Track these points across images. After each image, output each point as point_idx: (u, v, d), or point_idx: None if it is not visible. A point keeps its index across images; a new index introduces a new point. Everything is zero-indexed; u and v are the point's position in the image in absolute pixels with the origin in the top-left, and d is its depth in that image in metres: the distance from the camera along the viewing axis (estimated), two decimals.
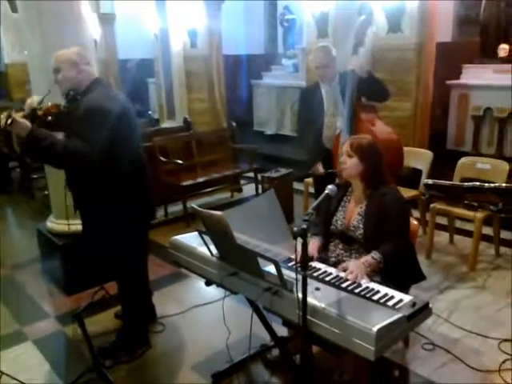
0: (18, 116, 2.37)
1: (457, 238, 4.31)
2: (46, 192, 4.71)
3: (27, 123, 2.37)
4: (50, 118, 2.57)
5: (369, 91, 3.48)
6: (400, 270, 2.27)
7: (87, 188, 2.64)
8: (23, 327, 3.26)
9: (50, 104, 2.59)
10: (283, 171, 5.05)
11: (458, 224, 4.32)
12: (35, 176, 6.35)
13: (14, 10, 6.89)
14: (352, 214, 2.44)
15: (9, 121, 2.29)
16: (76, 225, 3.18)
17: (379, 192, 2.36)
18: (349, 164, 2.37)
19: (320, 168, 3.72)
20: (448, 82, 5.99)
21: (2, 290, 3.77)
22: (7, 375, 2.55)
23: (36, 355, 2.94)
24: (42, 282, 3.89)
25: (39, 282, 3.91)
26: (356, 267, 2.11)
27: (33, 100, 2.62)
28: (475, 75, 5.84)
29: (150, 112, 8.50)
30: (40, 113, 2.55)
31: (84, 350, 2.67)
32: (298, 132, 4.01)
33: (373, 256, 2.21)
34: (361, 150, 2.35)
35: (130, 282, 2.90)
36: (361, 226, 2.36)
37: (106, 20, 8.63)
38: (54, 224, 3.70)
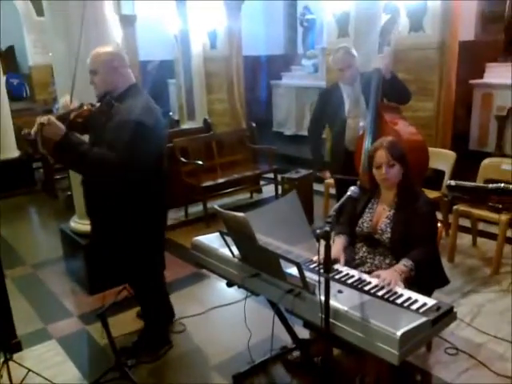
0: (54, 119, 2.30)
1: (480, 240, 4.23)
2: (69, 192, 4.78)
3: (62, 127, 2.31)
4: (80, 120, 2.50)
5: (391, 92, 3.44)
6: (425, 274, 2.24)
7: (105, 195, 2.56)
8: (47, 325, 3.32)
9: (85, 107, 2.50)
10: (303, 172, 5.03)
11: (482, 226, 4.25)
12: (58, 177, 6.44)
13: (40, 13, 7.00)
14: (380, 217, 2.41)
15: (45, 122, 2.22)
16: None
17: (410, 196, 2.33)
18: (392, 173, 2.31)
19: (327, 175, 4.00)
20: (471, 81, 5.91)
21: (27, 289, 3.85)
22: (33, 372, 2.59)
23: (60, 353, 2.99)
24: (66, 281, 3.95)
25: (62, 281, 3.97)
26: (389, 274, 2.07)
27: (67, 100, 2.55)
28: (499, 74, 5.75)
29: (170, 113, 8.55)
30: (73, 115, 2.47)
31: (107, 349, 2.70)
32: (309, 131, 3.97)
33: (404, 264, 2.18)
34: (402, 157, 2.31)
35: (145, 287, 2.88)
36: (388, 229, 2.34)
37: (127, 21, 8.69)
38: (77, 224, 3.75)
